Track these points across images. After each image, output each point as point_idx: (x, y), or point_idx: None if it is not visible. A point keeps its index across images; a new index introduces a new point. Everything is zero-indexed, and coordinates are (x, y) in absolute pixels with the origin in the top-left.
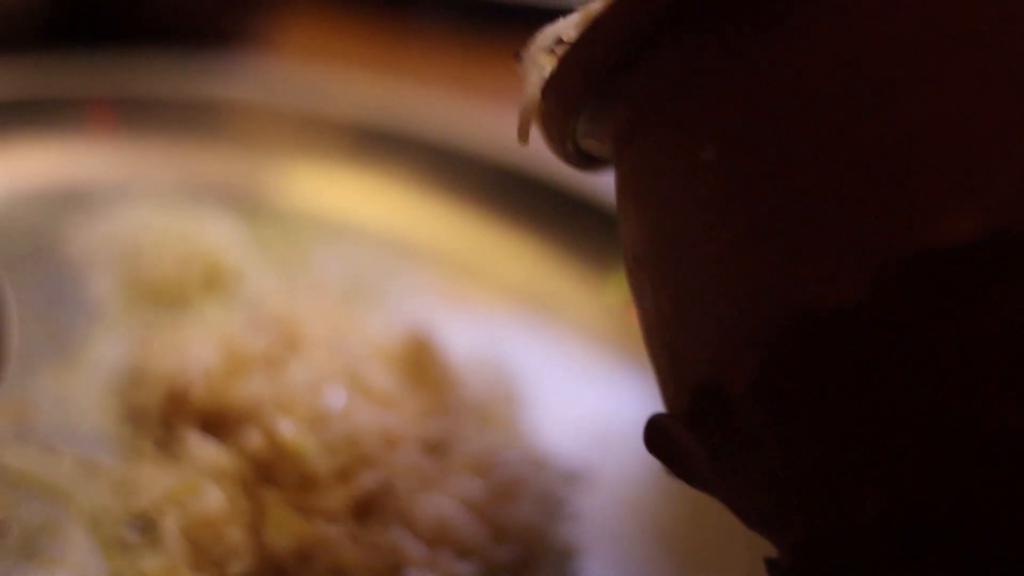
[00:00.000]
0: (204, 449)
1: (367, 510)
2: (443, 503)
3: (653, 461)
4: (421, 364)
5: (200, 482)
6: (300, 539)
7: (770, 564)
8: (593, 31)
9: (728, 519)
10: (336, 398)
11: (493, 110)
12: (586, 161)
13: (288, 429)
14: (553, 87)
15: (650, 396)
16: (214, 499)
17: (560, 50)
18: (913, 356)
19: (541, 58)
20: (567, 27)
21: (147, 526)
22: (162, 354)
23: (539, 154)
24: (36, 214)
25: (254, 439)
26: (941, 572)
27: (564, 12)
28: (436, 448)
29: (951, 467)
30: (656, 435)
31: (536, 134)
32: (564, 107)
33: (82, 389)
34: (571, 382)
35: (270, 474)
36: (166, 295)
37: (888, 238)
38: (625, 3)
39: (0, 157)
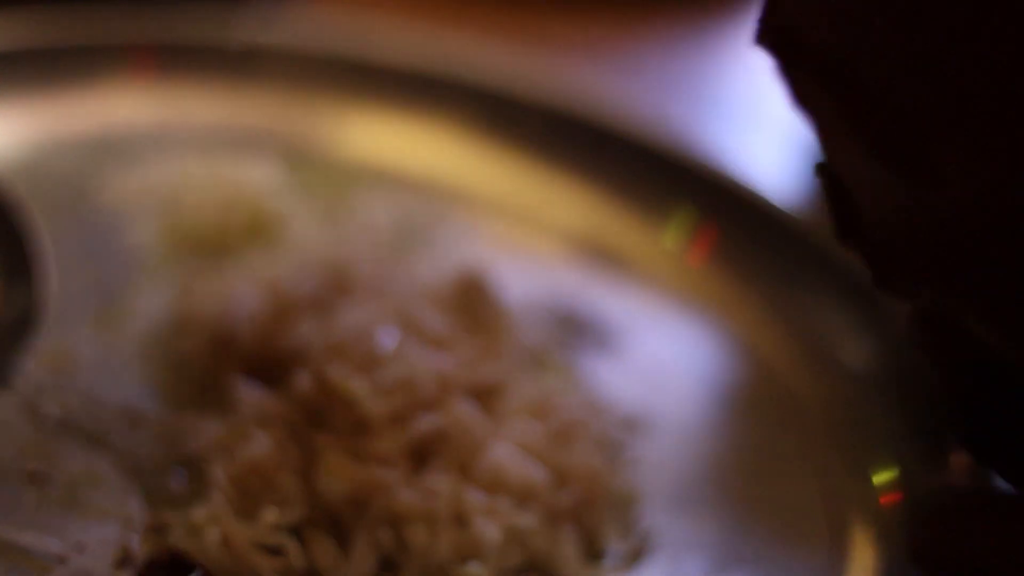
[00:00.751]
0: (251, 395)
1: (423, 455)
2: (501, 448)
3: (713, 408)
4: (475, 307)
5: (248, 428)
6: (354, 485)
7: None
8: None
9: (789, 466)
10: (388, 341)
11: (544, 56)
12: None
13: (339, 372)
14: None
15: (710, 339)
16: (263, 445)
17: None
18: None
19: None
20: None
21: (194, 474)
22: (206, 300)
23: (591, 99)
24: (74, 162)
25: (304, 383)
26: None
27: None
28: (492, 391)
29: None
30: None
31: None
32: None
33: (124, 339)
34: (630, 327)
35: (321, 419)
36: (208, 243)
37: None
38: None
39: (39, 104)
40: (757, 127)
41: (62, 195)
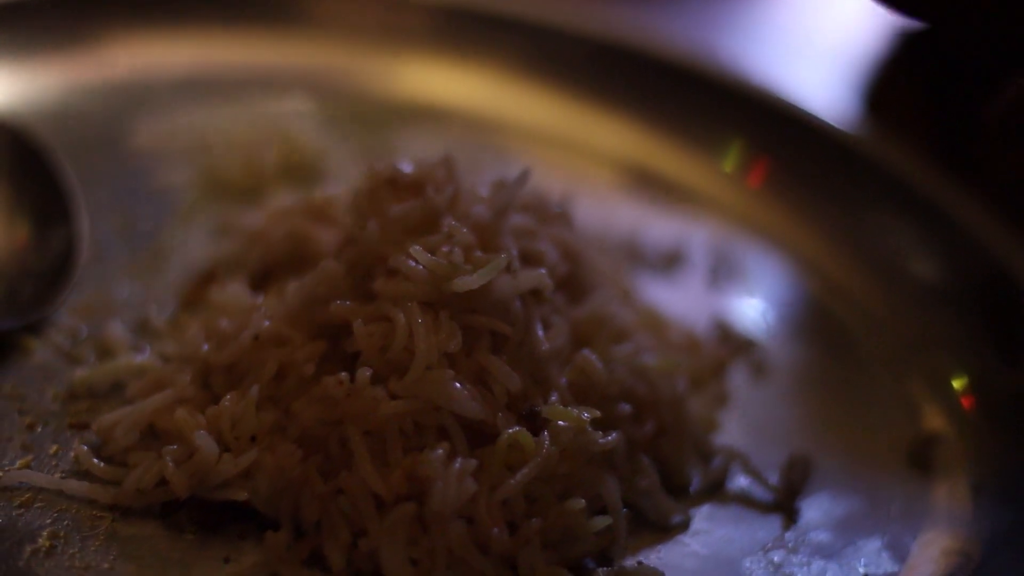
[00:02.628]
0: None
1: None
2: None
3: (783, 329)
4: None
5: None
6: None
7: None
8: None
9: (866, 380)
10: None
11: None
12: None
13: None
14: None
15: (774, 260)
16: None
17: None
18: None
19: None
20: None
21: None
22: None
23: (636, 29)
24: (101, 108)
25: None
26: None
27: None
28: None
29: None
30: None
31: None
32: None
33: (158, 283)
34: (691, 251)
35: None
36: (242, 184)
37: None
38: None
39: (63, 53)
40: (802, 53)
41: (90, 142)
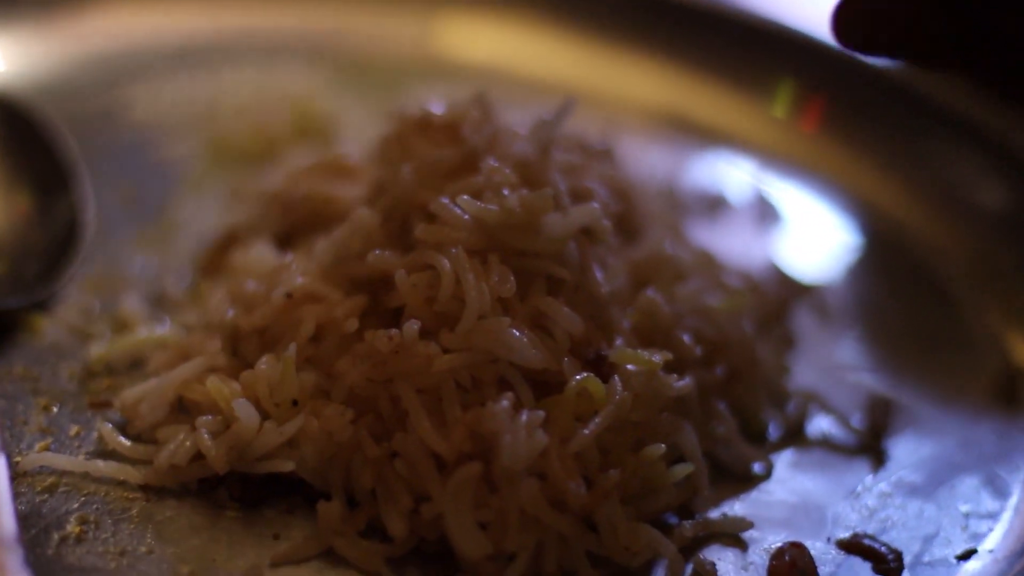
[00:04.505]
0: None
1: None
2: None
3: (849, 269)
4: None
5: None
6: None
7: None
8: None
9: (937, 316)
10: None
11: None
12: None
13: None
14: None
15: (834, 200)
16: None
17: None
18: None
19: None
20: None
21: None
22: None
23: None
24: (99, 79)
25: None
26: None
27: None
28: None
29: None
30: None
31: None
32: None
33: (171, 254)
34: (747, 195)
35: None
36: (252, 150)
37: None
38: None
39: (57, 23)
40: None
41: (86, 114)
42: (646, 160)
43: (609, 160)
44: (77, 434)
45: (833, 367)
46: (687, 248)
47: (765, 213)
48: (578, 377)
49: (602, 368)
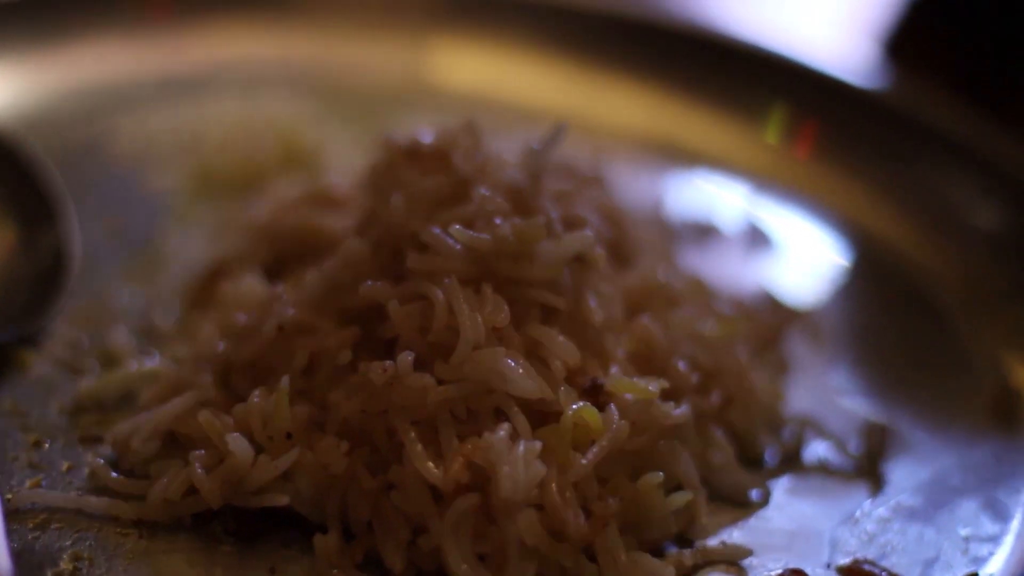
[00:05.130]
0: None
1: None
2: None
3: (843, 292)
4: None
5: None
6: None
7: None
8: None
9: (933, 340)
10: None
11: None
12: None
13: None
14: None
15: (820, 223)
16: None
17: None
18: None
19: None
20: None
21: None
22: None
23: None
24: (83, 111)
25: None
26: None
27: None
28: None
29: None
30: None
31: None
32: None
33: (159, 287)
34: (741, 221)
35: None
36: (238, 180)
37: None
38: None
39: (41, 56)
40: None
41: (70, 147)
42: (636, 186)
43: (600, 187)
44: (68, 470)
45: (828, 391)
46: (679, 275)
47: (756, 239)
48: (574, 406)
49: (598, 397)
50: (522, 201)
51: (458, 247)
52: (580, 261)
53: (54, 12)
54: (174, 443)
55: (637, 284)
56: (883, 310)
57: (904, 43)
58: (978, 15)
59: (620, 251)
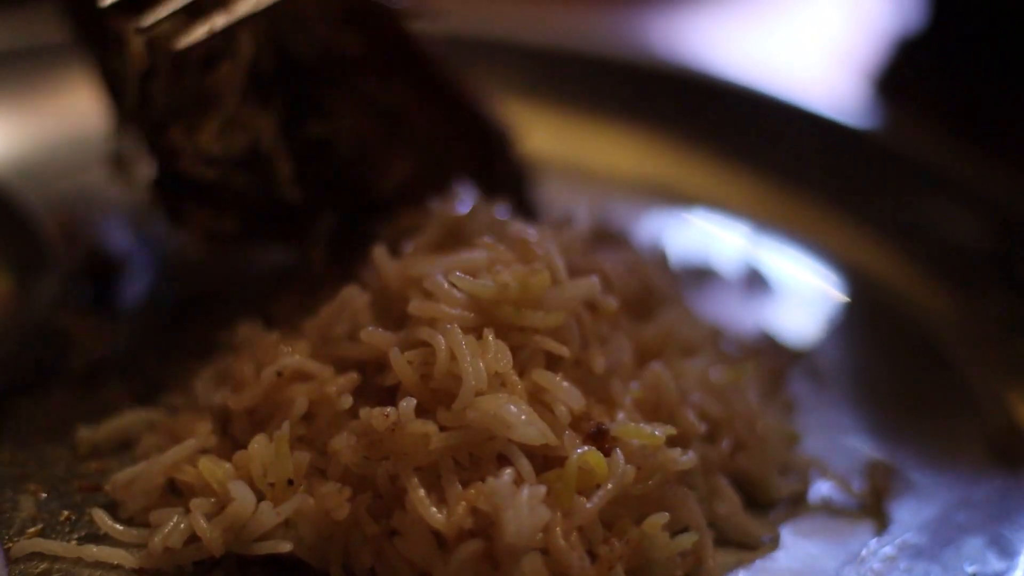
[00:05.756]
0: None
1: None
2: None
3: (840, 332)
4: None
5: None
6: None
7: None
8: None
9: (935, 379)
10: None
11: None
12: None
13: None
14: None
15: (815, 264)
16: None
17: None
18: None
19: None
20: None
21: None
22: None
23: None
24: (74, 159)
25: None
26: None
27: None
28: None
29: None
30: None
31: None
32: None
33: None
34: (729, 262)
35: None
36: None
37: None
38: None
39: (31, 104)
40: (805, 51)
41: (66, 194)
42: (635, 230)
43: (625, 243)
44: (68, 519)
45: (830, 431)
46: (696, 323)
47: (753, 280)
48: (579, 451)
49: (603, 442)
50: (526, 250)
51: (459, 295)
52: (592, 309)
53: (50, 60)
54: (174, 491)
55: (655, 334)
56: (882, 348)
57: (895, 81)
58: (968, 52)
59: (644, 305)
